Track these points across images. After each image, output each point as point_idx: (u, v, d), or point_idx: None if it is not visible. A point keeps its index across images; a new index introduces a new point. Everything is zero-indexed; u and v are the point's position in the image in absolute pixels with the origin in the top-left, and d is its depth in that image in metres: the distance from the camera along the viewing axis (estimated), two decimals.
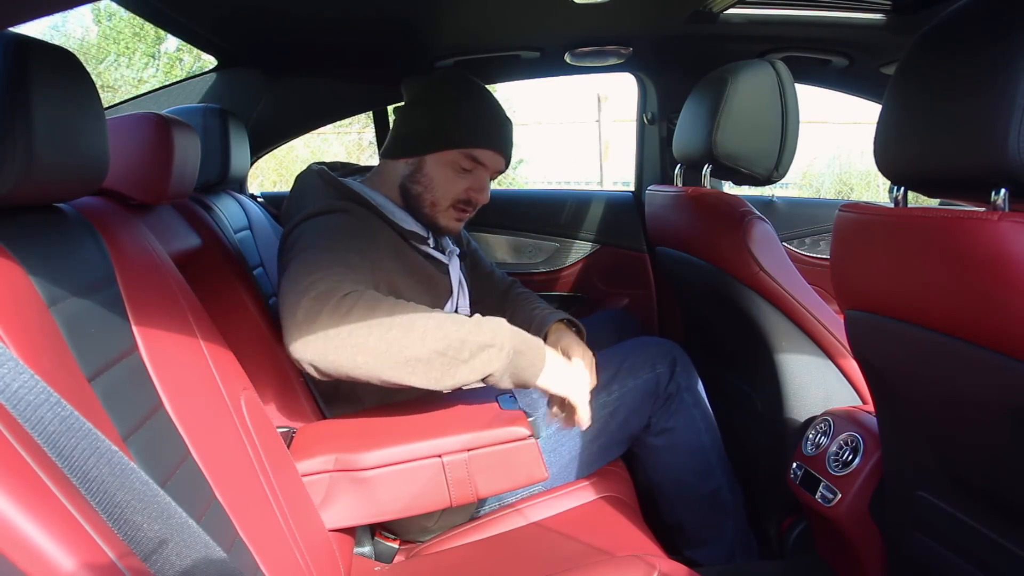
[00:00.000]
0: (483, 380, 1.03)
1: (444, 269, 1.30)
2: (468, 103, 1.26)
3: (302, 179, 1.31)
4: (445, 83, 1.29)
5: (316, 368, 0.98)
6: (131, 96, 1.87)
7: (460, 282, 1.35)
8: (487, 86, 1.32)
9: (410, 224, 1.27)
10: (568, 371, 1.10)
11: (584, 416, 1.11)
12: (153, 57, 8.01)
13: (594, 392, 1.29)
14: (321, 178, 1.27)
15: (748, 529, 1.40)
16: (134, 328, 0.78)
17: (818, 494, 1.17)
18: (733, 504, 1.37)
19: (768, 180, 1.39)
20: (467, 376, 1.00)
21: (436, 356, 0.97)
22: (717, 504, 1.35)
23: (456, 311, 1.31)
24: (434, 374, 0.98)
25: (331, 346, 0.95)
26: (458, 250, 1.39)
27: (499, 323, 1.04)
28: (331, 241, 1.10)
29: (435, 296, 1.27)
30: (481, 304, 1.51)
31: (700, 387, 1.36)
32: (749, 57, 1.48)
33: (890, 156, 0.81)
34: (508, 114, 1.32)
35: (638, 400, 1.30)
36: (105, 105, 0.89)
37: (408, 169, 1.27)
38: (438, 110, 1.26)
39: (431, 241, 1.31)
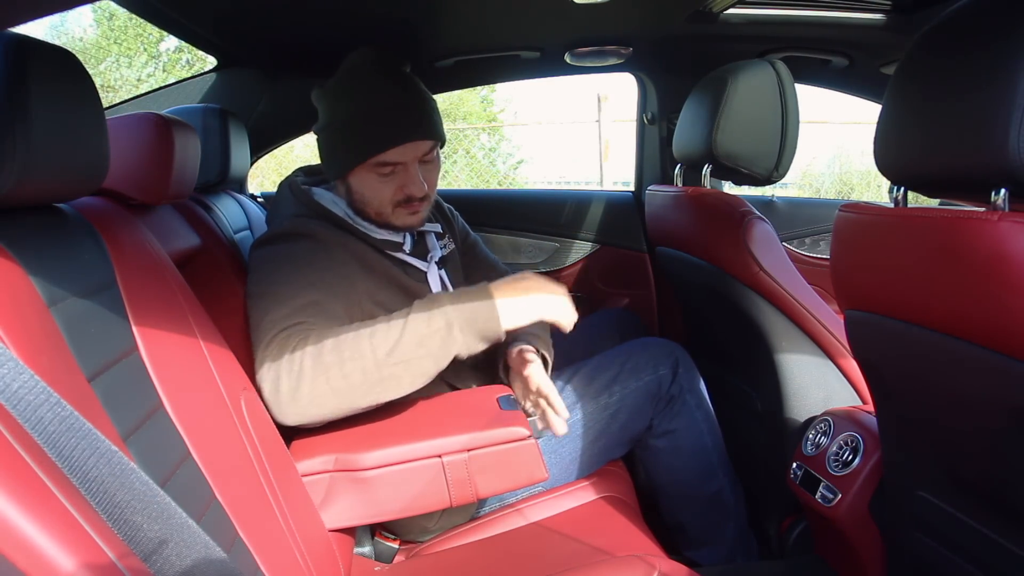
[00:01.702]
0: (458, 356, 1.03)
1: (421, 277, 1.27)
2: (349, 112, 1.18)
3: (279, 189, 1.30)
4: (330, 95, 1.22)
5: (309, 426, 1.03)
6: (131, 96, 1.87)
7: (444, 289, 1.30)
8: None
9: (380, 233, 1.24)
10: (524, 297, 1.05)
11: (568, 322, 1.08)
12: (154, 57, 8.01)
13: (595, 393, 1.29)
14: (291, 190, 1.26)
15: (748, 529, 1.40)
16: (134, 328, 0.78)
17: (818, 494, 1.17)
18: (734, 505, 1.37)
19: (768, 180, 1.39)
20: (435, 365, 1.02)
21: (395, 367, 1.00)
22: (718, 505, 1.35)
23: None
24: (405, 381, 1.01)
25: (309, 409, 1.00)
26: (439, 255, 1.33)
27: (435, 302, 1.03)
28: (286, 285, 1.08)
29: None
30: None
31: (703, 388, 1.36)
32: (749, 57, 1.48)
33: (890, 156, 0.81)
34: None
35: (640, 401, 1.29)
36: (105, 105, 0.89)
37: (343, 188, 1.25)
38: (328, 131, 1.22)
39: (407, 246, 1.27)
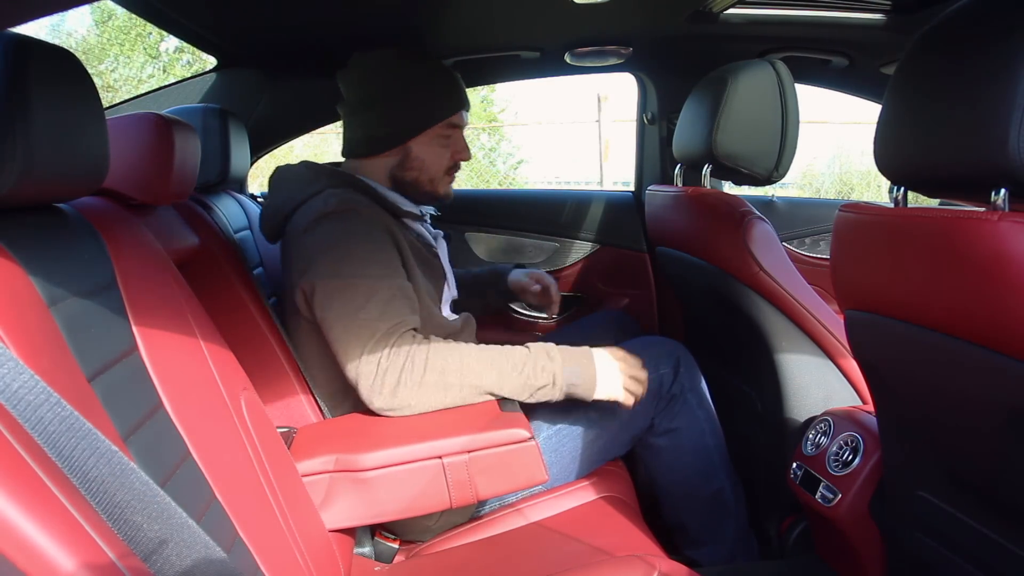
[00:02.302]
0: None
1: (432, 251, 1.34)
2: (428, 77, 1.30)
3: (287, 169, 1.32)
4: (395, 67, 1.30)
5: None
6: (131, 96, 1.87)
7: (449, 266, 1.39)
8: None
9: (406, 205, 1.32)
10: (615, 376, 1.18)
11: (630, 401, 1.21)
12: (154, 57, 8.00)
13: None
14: (308, 168, 1.30)
15: (749, 529, 1.40)
16: (134, 328, 0.78)
17: (818, 494, 1.17)
18: (735, 505, 1.36)
19: (768, 180, 1.39)
20: (528, 401, 1.17)
21: (497, 393, 1.15)
22: (719, 505, 1.35)
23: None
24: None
25: (416, 408, 1.12)
26: (443, 233, 1.43)
27: (550, 356, 1.16)
28: (364, 277, 1.14)
29: (434, 278, 1.30)
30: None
31: (704, 388, 1.35)
32: (749, 57, 1.48)
33: (890, 156, 0.81)
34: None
35: (641, 401, 1.29)
36: (105, 105, 0.89)
37: (395, 160, 1.31)
38: (398, 95, 1.29)
39: (427, 218, 1.37)
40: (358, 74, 1.31)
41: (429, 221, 1.40)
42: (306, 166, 1.30)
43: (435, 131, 1.31)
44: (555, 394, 1.16)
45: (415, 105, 1.29)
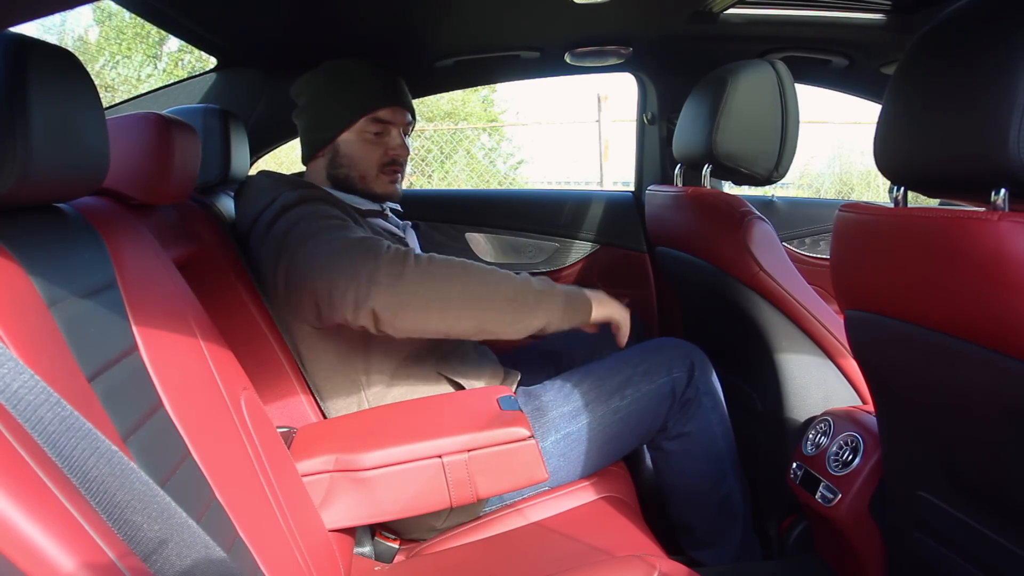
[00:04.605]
0: (544, 328, 1.15)
1: (404, 242, 1.36)
2: (348, 76, 1.34)
3: (244, 184, 1.37)
4: (323, 71, 1.35)
5: (394, 329, 1.07)
6: (131, 96, 1.87)
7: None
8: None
9: (363, 204, 1.34)
10: (606, 299, 1.24)
11: (625, 321, 1.26)
12: (153, 58, 8.00)
13: (606, 395, 1.29)
14: (268, 176, 1.33)
15: (754, 532, 1.39)
16: (134, 328, 0.78)
17: (818, 494, 1.17)
18: (743, 508, 1.36)
19: (768, 180, 1.39)
20: (531, 323, 1.13)
21: (508, 303, 1.11)
22: (727, 509, 1.34)
23: None
24: (506, 320, 1.11)
25: (422, 295, 1.05)
26: (410, 223, 1.46)
27: (544, 281, 1.18)
28: (335, 240, 1.12)
29: None
30: None
31: (719, 391, 1.34)
32: (749, 57, 1.48)
33: (890, 156, 0.81)
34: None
35: (652, 405, 1.28)
36: (105, 105, 0.89)
37: (327, 160, 1.35)
38: (326, 95, 1.34)
39: (388, 211, 1.39)
40: (301, 83, 1.37)
41: (391, 216, 1.41)
42: (264, 175, 1.34)
43: (360, 126, 1.32)
44: (556, 306, 1.15)
45: (339, 102, 1.33)
